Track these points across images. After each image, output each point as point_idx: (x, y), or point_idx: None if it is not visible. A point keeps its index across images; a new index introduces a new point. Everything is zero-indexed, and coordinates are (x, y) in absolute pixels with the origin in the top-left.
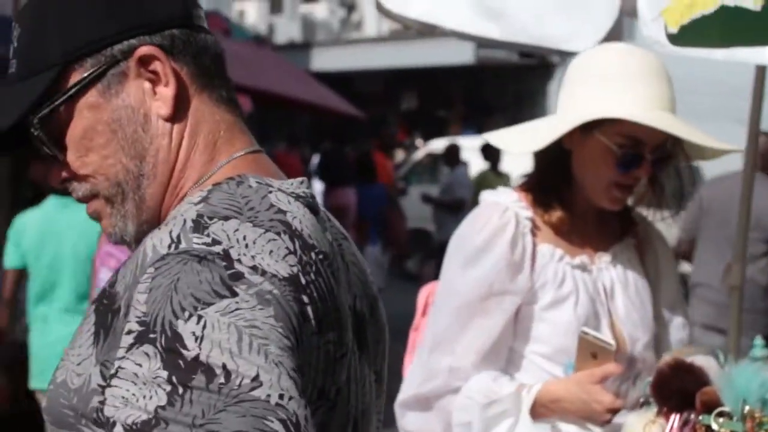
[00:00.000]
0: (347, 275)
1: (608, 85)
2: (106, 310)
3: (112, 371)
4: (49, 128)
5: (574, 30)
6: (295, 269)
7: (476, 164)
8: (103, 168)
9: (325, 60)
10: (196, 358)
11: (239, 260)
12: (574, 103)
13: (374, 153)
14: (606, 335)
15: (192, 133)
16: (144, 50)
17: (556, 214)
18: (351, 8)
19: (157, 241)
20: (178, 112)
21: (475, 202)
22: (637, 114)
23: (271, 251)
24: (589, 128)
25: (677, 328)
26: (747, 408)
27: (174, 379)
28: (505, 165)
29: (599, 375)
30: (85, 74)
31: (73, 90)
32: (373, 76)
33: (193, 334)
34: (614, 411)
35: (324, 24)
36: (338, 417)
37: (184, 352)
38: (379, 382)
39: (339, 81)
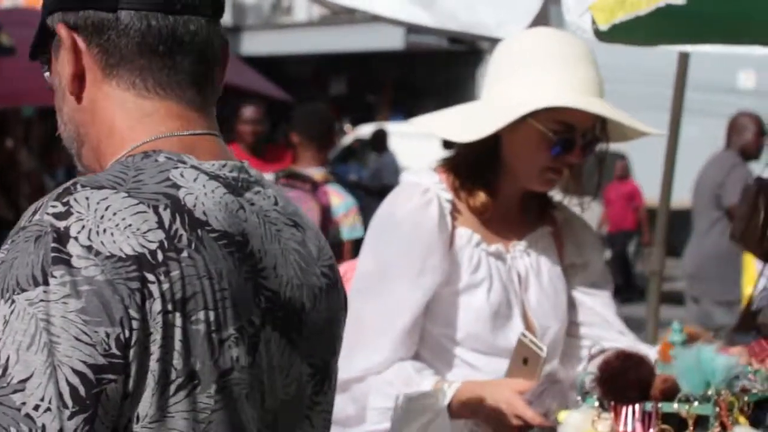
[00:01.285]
0: (279, 261)
1: (541, 72)
2: None
3: None
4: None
5: (502, 17)
6: (151, 246)
7: (405, 150)
8: (68, 117)
9: (255, 44)
10: None
11: (76, 239)
12: (506, 89)
13: None
14: (518, 325)
15: (97, 116)
16: (58, 27)
17: (480, 199)
18: None
19: (26, 213)
20: (83, 92)
21: None
22: (575, 101)
23: (128, 225)
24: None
25: (604, 305)
26: (711, 390)
27: None
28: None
29: (523, 387)
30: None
31: (34, 41)
32: (303, 61)
33: (4, 317)
34: (524, 422)
35: (254, 8)
36: (229, 404)
37: None
38: (322, 377)
39: (269, 65)
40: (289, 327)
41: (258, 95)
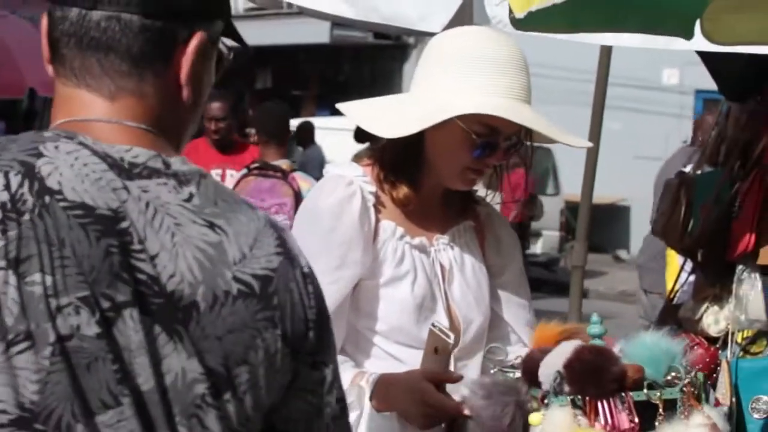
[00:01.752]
0: (165, 252)
1: (470, 74)
2: None
3: None
4: None
5: (424, 10)
6: None
7: (331, 144)
8: None
9: None
10: None
11: None
12: (435, 87)
13: None
14: (442, 317)
15: (58, 92)
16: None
17: (403, 192)
18: None
19: None
20: (56, 69)
21: None
22: (500, 109)
23: None
24: None
25: (522, 307)
26: (673, 374)
27: None
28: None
29: (434, 375)
30: None
31: None
32: (226, 67)
33: None
34: (434, 410)
35: None
36: (67, 369)
37: None
38: (221, 382)
39: None
40: (170, 318)
41: None
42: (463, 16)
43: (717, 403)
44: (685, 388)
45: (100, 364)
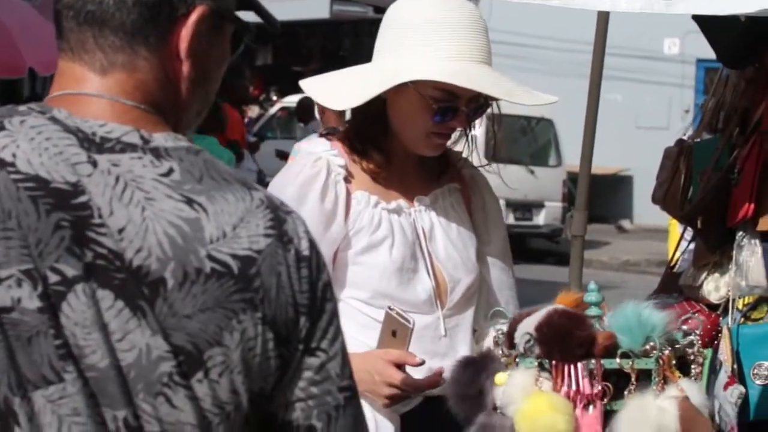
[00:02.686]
0: (132, 226)
1: (427, 39)
2: None
3: None
4: None
5: None
6: None
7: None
8: None
9: None
10: None
11: None
12: (391, 54)
13: (226, 107)
14: (424, 277)
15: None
16: None
17: (374, 161)
18: None
19: None
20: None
21: None
22: (450, 72)
23: None
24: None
25: (506, 273)
26: (651, 344)
27: None
28: None
29: (395, 356)
30: None
31: None
32: (243, 46)
33: None
34: (397, 389)
35: None
36: (6, 341)
37: None
38: (191, 362)
39: None
40: (134, 294)
41: None
42: None
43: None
44: (662, 359)
45: (42, 339)
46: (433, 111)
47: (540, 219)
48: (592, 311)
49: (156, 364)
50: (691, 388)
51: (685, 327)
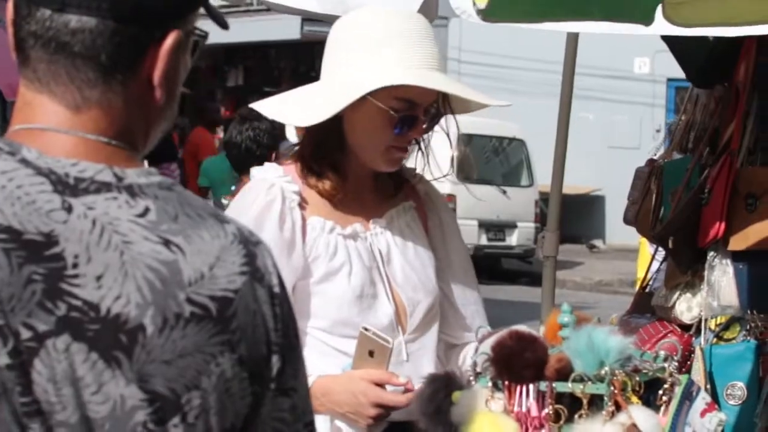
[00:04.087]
0: (110, 272)
1: (378, 50)
2: None
3: None
4: None
5: (387, 2)
6: None
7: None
8: None
9: None
10: None
11: None
12: (345, 69)
13: (198, 129)
14: (384, 302)
15: (20, 97)
16: None
17: (329, 183)
18: None
19: None
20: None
21: None
22: (414, 78)
23: None
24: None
25: (471, 289)
26: (605, 370)
27: None
28: None
29: (377, 376)
30: None
31: None
32: (199, 53)
33: None
34: (382, 409)
35: None
36: None
37: None
38: (168, 407)
39: None
40: (108, 344)
41: None
42: (428, 9)
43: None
44: (613, 384)
45: (9, 396)
46: (394, 122)
47: (513, 239)
48: (564, 332)
49: (130, 415)
50: (642, 416)
51: (662, 352)
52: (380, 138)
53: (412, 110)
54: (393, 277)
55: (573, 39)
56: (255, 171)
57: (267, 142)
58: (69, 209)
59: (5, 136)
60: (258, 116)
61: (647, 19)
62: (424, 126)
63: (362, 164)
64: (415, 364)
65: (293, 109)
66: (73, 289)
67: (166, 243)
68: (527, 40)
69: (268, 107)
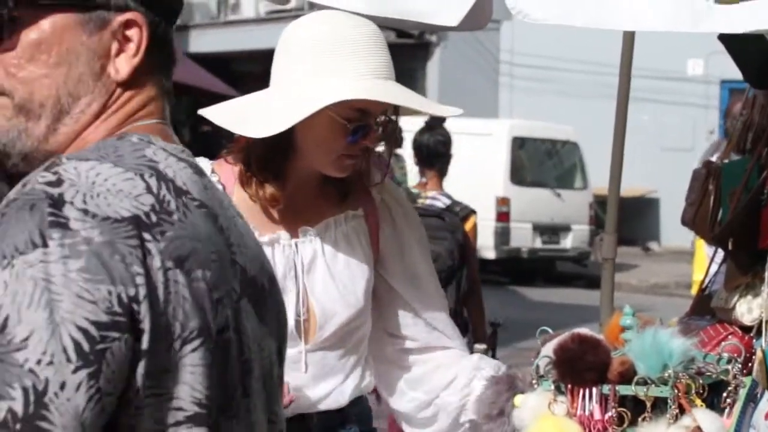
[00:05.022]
0: (242, 241)
1: (332, 60)
2: None
3: None
4: (14, 11)
5: (439, 4)
6: (144, 208)
7: None
8: (35, 82)
9: (202, 42)
10: None
11: (72, 203)
12: (298, 80)
13: None
14: (289, 310)
15: (126, 103)
16: (135, 16)
17: (270, 191)
18: None
19: (14, 188)
20: (129, 81)
21: None
22: (372, 90)
23: (120, 190)
24: None
25: (425, 305)
26: (669, 372)
27: None
28: None
29: None
30: None
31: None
32: (251, 58)
33: (4, 282)
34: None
35: (201, 6)
36: (229, 361)
37: None
38: (281, 358)
39: (217, 63)
40: (257, 303)
41: (208, 93)
42: (481, 12)
43: None
44: (677, 387)
45: (240, 356)
46: (348, 132)
47: (567, 242)
48: (627, 335)
49: (274, 365)
50: (706, 419)
51: (726, 354)
52: (332, 146)
53: (365, 119)
54: (311, 287)
55: (629, 40)
56: None
57: None
58: (206, 188)
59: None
60: None
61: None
62: (377, 134)
63: (308, 169)
64: (316, 375)
65: (249, 120)
66: (234, 256)
67: (240, 216)
68: (578, 42)
69: (221, 117)
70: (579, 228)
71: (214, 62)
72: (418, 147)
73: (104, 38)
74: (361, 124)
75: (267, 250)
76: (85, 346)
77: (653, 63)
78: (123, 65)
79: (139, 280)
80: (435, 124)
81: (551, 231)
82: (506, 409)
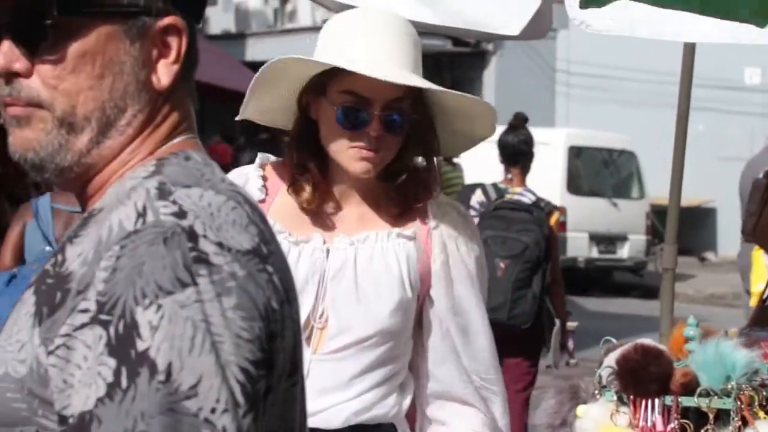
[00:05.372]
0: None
1: (332, 43)
2: (54, 289)
3: (51, 348)
4: (57, 20)
5: (502, 14)
6: (257, 239)
7: None
8: (80, 93)
9: (259, 50)
10: (146, 350)
11: (205, 236)
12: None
13: None
14: (304, 313)
15: (169, 114)
16: (175, 20)
17: (305, 195)
18: None
19: (123, 216)
20: (169, 90)
21: None
22: (350, 62)
23: (234, 221)
24: (321, 92)
25: (443, 359)
26: (732, 384)
27: (120, 369)
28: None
29: None
30: (125, 2)
31: (110, 7)
32: None
33: (150, 323)
34: None
35: (257, 14)
36: (301, 395)
37: (138, 342)
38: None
39: None
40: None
41: None
42: (541, 21)
43: None
44: (740, 399)
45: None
46: (338, 116)
47: (624, 252)
48: (690, 346)
49: None
50: None
51: None
52: (336, 136)
53: (362, 105)
54: (333, 295)
55: (690, 50)
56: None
57: None
58: None
59: (172, 145)
60: None
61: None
62: (383, 124)
63: (343, 172)
64: (314, 387)
65: (247, 103)
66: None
67: None
68: (634, 50)
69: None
70: (636, 238)
71: None
72: (504, 146)
73: (146, 45)
74: (356, 109)
75: (294, 250)
76: (249, 388)
77: (711, 72)
78: (164, 74)
79: (276, 315)
80: (518, 124)
81: (608, 241)
82: (569, 419)
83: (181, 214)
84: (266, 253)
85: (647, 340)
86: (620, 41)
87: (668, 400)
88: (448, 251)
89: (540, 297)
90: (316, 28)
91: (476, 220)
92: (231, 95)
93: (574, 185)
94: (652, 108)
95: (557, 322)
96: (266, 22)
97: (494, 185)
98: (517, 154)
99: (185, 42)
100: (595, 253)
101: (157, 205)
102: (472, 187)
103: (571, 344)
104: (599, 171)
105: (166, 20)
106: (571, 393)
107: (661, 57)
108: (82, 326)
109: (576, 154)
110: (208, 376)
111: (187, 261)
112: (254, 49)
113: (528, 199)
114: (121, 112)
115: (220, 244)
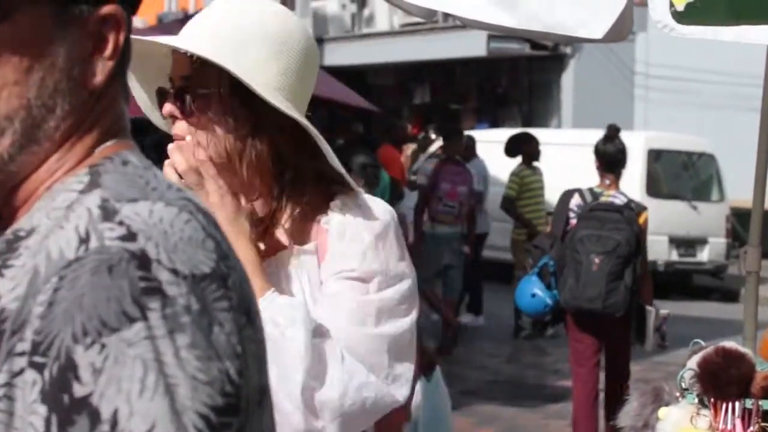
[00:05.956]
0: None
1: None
2: None
3: None
4: None
5: (584, 17)
6: (214, 256)
7: (490, 157)
8: (3, 89)
9: (337, 55)
10: (87, 397)
11: (159, 260)
12: None
13: (385, 147)
14: None
15: (101, 115)
16: (114, 9)
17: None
18: (362, 3)
19: (63, 242)
20: (102, 89)
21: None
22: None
23: (190, 237)
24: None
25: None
26: None
27: (50, 418)
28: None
29: None
30: None
31: None
32: (385, 70)
33: (92, 365)
34: None
35: (335, 19)
36: (270, 422)
37: (75, 386)
38: None
39: (351, 75)
40: None
41: (344, 106)
42: (624, 24)
43: None
44: None
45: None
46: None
47: (704, 255)
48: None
49: None
50: None
51: None
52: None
53: (167, 84)
54: None
55: None
56: None
57: None
58: None
59: (103, 148)
60: None
61: None
62: (176, 97)
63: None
64: None
65: None
66: None
67: None
68: (714, 53)
69: None
70: (715, 241)
71: (348, 75)
72: (602, 155)
73: (82, 37)
74: (161, 87)
75: None
76: None
77: None
78: (99, 70)
79: (239, 349)
80: (613, 134)
81: (687, 244)
82: (651, 422)
83: (129, 236)
84: (225, 272)
85: (729, 343)
86: (699, 44)
87: (749, 403)
88: (332, 251)
89: (631, 289)
90: (393, 33)
91: (574, 221)
92: (313, 99)
93: (654, 188)
94: (731, 111)
95: (652, 309)
96: (344, 26)
97: (590, 189)
98: (613, 162)
99: (123, 35)
100: (674, 256)
101: (102, 228)
102: (571, 192)
103: (664, 328)
104: (679, 174)
105: (105, 9)
106: (653, 395)
107: (739, 59)
108: (21, 372)
109: (655, 157)
110: (163, 423)
111: (135, 292)
112: (332, 54)
113: (620, 201)
114: (49, 113)
115: (174, 271)
